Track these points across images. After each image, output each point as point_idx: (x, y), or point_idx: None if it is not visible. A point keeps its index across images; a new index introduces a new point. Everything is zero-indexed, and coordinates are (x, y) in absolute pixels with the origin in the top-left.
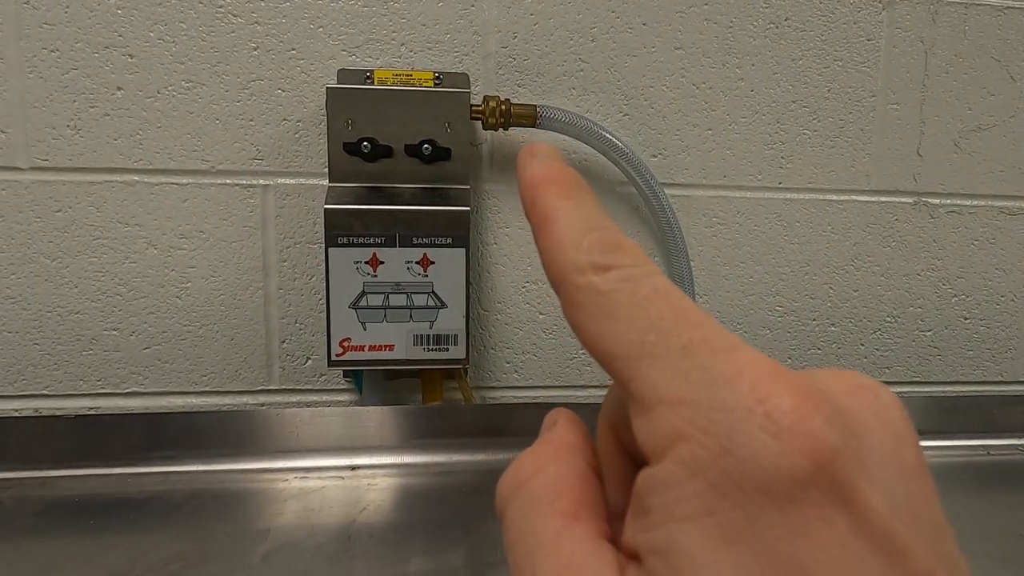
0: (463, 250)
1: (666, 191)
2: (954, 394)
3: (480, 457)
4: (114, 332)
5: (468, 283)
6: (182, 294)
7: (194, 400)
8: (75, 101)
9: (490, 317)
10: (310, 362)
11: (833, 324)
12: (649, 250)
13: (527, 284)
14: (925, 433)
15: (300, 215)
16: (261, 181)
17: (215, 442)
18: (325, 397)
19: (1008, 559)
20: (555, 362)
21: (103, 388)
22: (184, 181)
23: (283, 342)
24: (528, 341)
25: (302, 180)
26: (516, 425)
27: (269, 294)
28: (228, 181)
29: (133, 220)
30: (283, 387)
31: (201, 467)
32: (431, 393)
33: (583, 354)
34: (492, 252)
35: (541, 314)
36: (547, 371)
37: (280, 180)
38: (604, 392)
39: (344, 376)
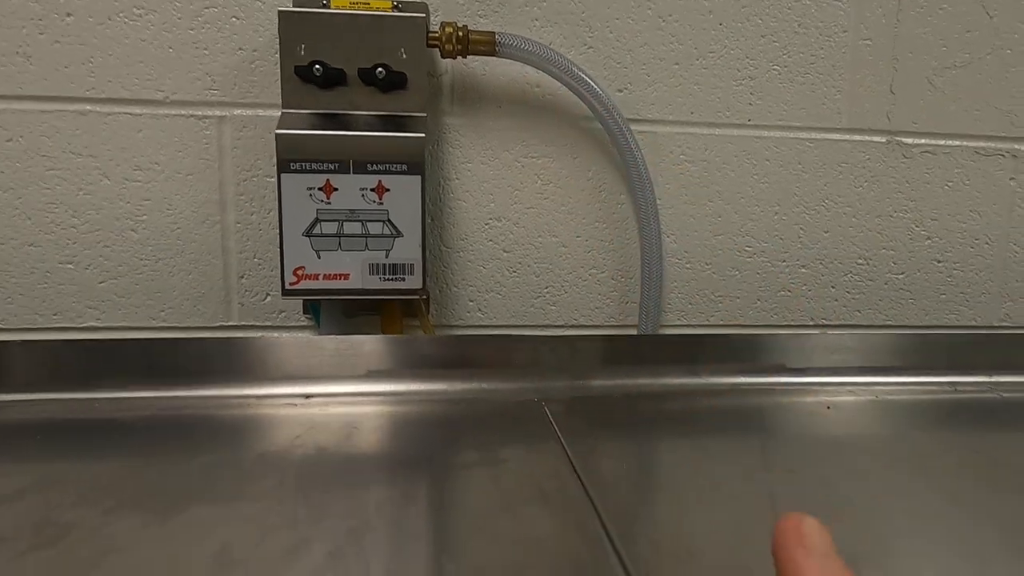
0: (418, 178)
1: (632, 127)
2: (924, 334)
3: (438, 387)
4: (69, 265)
5: (424, 212)
6: (138, 227)
7: (153, 336)
8: (24, 28)
9: (452, 255)
10: (269, 298)
11: (803, 266)
12: (615, 188)
13: (490, 221)
14: (891, 369)
15: (257, 147)
16: (216, 112)
17: (168, 370)
18: (285, 335)
19: (969, 484)
20: (519, 301)
21: (59, 322)
22: (138, 111)
23: (242, 277)
24: (492, 279)
25: (259, 111)
26: (474, 356)
27: (227, 228)
28: (183, 112)
29: (86, 151)
30: (243, 323)
31: (154, 393)
32: (391, 329)
33: (547, 292)
34: (454, 187)
35: (505, 252)
36: (511, 310)
37: (236, 111)
38: (567, 332)
39: (304, 312)
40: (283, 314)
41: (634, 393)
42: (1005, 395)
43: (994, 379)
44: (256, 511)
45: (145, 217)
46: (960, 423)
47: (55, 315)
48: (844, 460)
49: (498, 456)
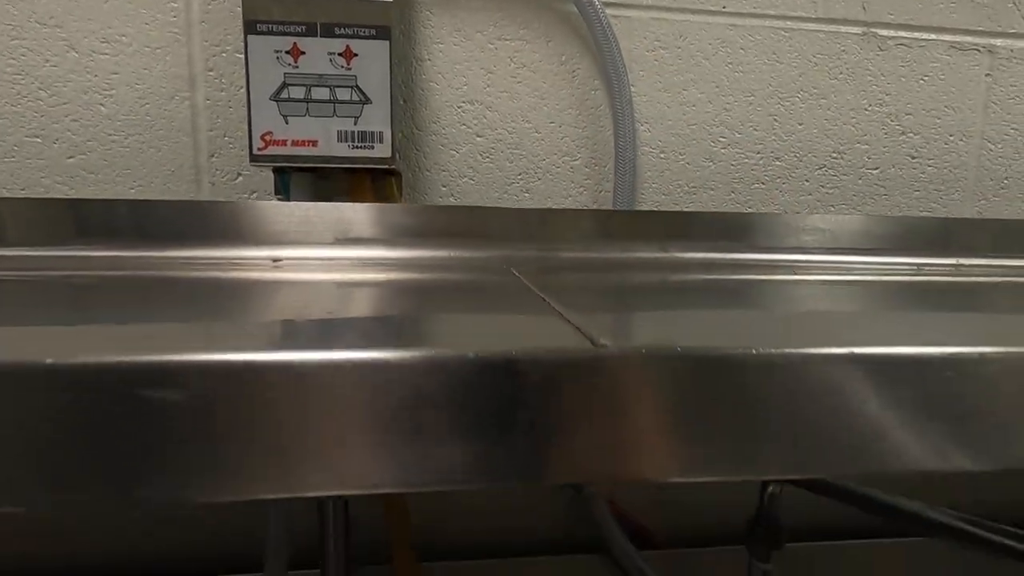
0: (386, 43)
1: (607, 11)
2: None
3: (407, 254)
4: (36, 139)
5: (392, 79)
6: (106, 101)
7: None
8: None
9: (424, 137)
10: (241, 178)
11: (777, 158)
12: (589, 74)
13: (463, 104)
14: (857, 251)
15: (226, 20)
16: None
17: (132, 231)
18: (252, 200)
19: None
20: (492, 187)
21: (27, 196)
22: None
23: (212, 156)
24: (464, 164)
25: None
26: (444, 225)
27: (196, 105)
28: None
29: (52, 20)
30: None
31: (116, 252)
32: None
33: (520, 179)
34: (426, 69)
35: (478, 136)
36: (484, 195)
37: None
38: (540, 216)
39: (276, 193)
40: (254, 194)
41: (602, 265)
42: (968, 277)
43: (959, 261)
44: None
45: (113, 92)
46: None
47: (23, 190)
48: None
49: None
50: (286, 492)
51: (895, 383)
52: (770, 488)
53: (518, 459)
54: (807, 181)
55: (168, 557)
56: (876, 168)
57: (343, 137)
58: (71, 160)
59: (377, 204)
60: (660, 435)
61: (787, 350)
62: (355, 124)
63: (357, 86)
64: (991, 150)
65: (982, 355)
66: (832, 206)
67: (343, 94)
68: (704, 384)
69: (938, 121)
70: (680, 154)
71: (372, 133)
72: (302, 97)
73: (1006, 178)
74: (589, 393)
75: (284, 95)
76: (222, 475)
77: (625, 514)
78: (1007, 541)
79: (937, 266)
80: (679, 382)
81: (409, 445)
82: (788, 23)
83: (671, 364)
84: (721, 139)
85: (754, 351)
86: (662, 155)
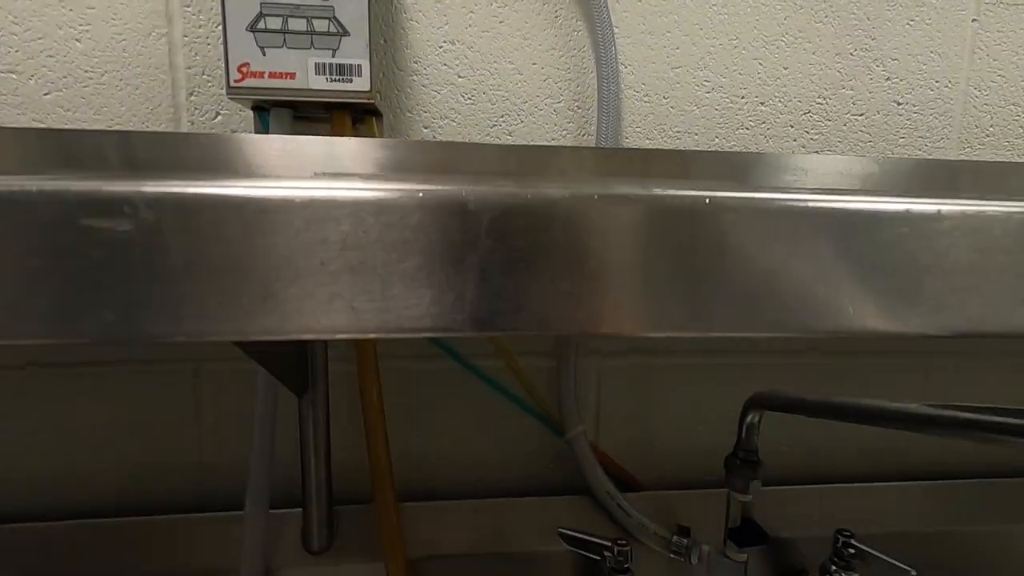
0: None
1: None
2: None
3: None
4: (12, 75)
5: (371, 10)
6: (82, 37)
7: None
8: None
9: (405, 78)
10: (220, 117)
11: (762, 103)
12: (571, 13)
13: (445, 44)
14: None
15: None
16: None
17: (96, 163)
18: (229, 132)
19: None
20: (474, 129)
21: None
22: None
23: (191, 95)
24: (446, 105)
25: None
26: (423, 161)
27: (173, 42)
28: None
29: None
30: None
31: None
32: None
33: (503, 122)
34: (406, 7)
35: (460, 77)
36: (466, 136)
37: None
38: (522, 149)
39: (255, 132)
40: (234, 134)
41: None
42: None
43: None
44: None
45: (89, 27)
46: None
47: None
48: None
49: None
50: (236, 335)
51: (851, 237)
52: (748, 417)
53: (470, 305)
54: (792, 127)
55: (153, 498)
56: (861, 114)
57: (321, 70)
58: (47, 96)
59: (358, 138)
60: (609, 285)
61: (742, 194)
62: (333, 56)
63: (335, 17)
64: (976, 97)
65: (939, 212)
66: (816, 152)
67: (320, 25)
68: (655, 232)
69: (924, 67)
70: (664, 98)
71: (350, 66)
72: (279, 28)
73: (991, 126)
74: (538, 237)
75: (261, 25)
76: (168, 313)
77: (610, 461)
78: (1011, 420)
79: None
80: (631, 229)
81: (360, 287)
82: None
83: (622, 210)
84: (705, 83)
85: (707, 199)
86: (646, 99)
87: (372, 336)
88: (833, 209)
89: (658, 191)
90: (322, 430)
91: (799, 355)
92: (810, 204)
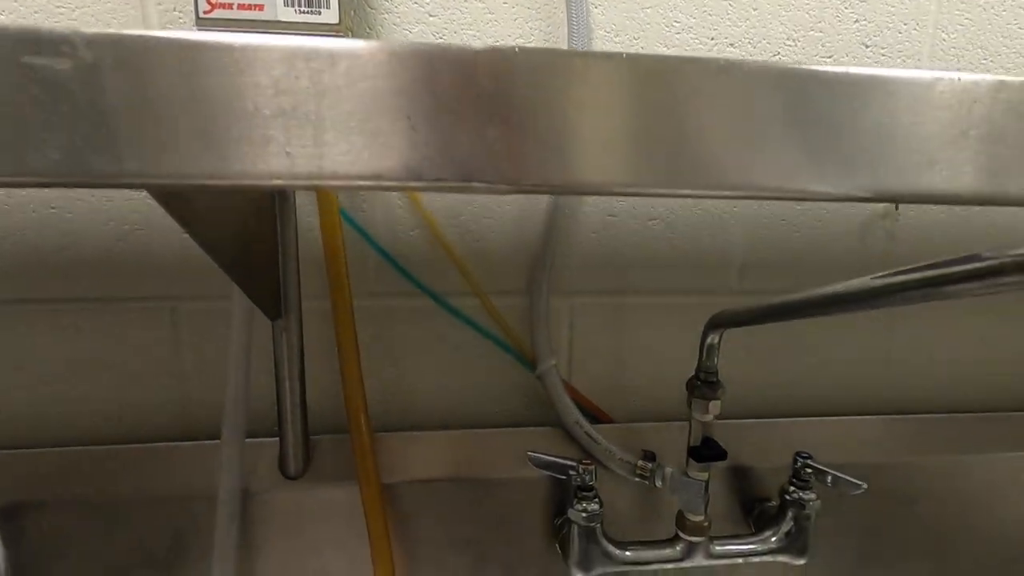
0: None
1: None
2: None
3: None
4: None
5: None
6: None
7: None
8: None
9: (377, 16)
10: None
11: (732, 44)
12: None
13: None
14: None
15: None
16: None
17: None
18: None
19: None
20: None
21: None
22: None
23: (159, 3)
24: None
25: None
26: None
27: None
28: None
29: None
30: None
31: None
32: None
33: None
34: None
35: (431, 16)
36: None
37: None
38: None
39: None
40: None
41: None
42: None
43: None
44: None
45: None
46: None
47: None
48: None
49: None
50: (176, 178)
51: (772, 95)
52: (709, 338)
53: (399, 154)
54: None
55: (133, 427)
56: (830, 56)
57: (289, 2)
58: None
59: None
60: (535, 136)
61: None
62: None
63: None
64: (944, 40)
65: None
66: None
67: None
68: (575, 86)
69: (892, 8)
70: (635, 39)
71: None
72: None
73: (958, 68)
74: (464, 88)
75: None
76: (110, 154)
77: (582, 397)
78: (960, 268)
79: None
80: (549, 83)
81: (293, 133)
82: None
83: (540, 60)
84: (676, 23)
85: (624, 55)
86: (616, 39)
87: (305, 184)
88: (779, 70)
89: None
90: (296, 354)
91: (764, 297)
92: (754, 66)
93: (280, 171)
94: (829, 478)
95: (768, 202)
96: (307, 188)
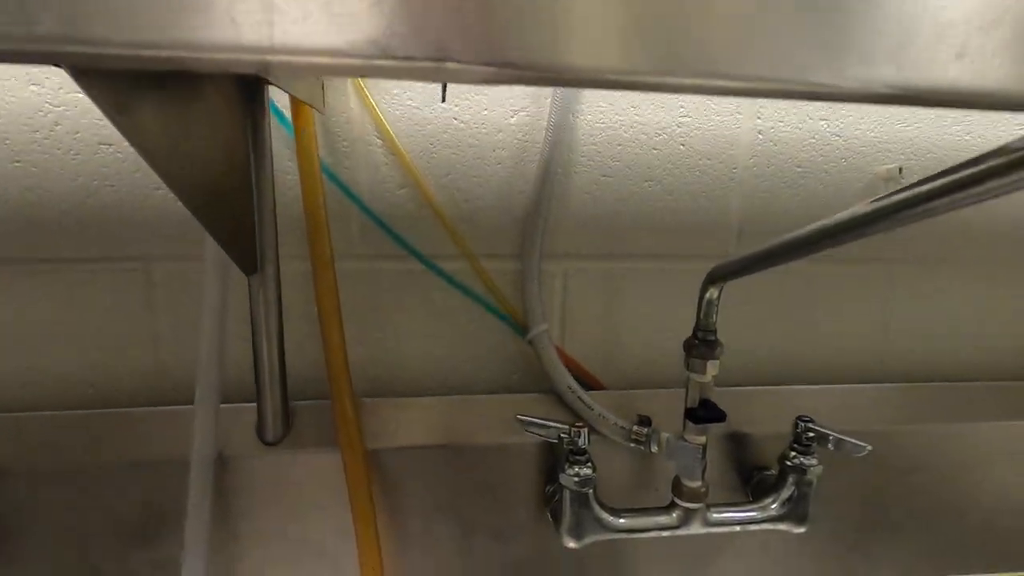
0: None
1: None
2: None
3: None
4: None
5: None
6: None
7: None
8: None
9: None
10: None
11: None
12: None
13: None
14: None
15: None
16: None
17: None
18: None
19: None
20: None
21: None
22: None
23: None
24: None
25: None
26: None
27: None
28: None
29: None
30: None
31: None
32: None
33: None
34: None
35: None
36: None
37: None
38: None
39: None
40: None
41: None
42: None
43: None
44: None
45: None
46: None
47: None
48: None
49: None
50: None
51: None
52: (707, 293)
53: (369, 26)
54: None
55: (105, 392)
56: None
57: None
58: None
59: None
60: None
61: None
62: None
63: None
64: None
65: None
66: None
67: None
68: None
69: None
70: None
71: None
72: None
73: None
74: None
75: None
76: (18, 11)
77: (575, 364)
78: (955, 176)
79: None
80: None
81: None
82: None
83: None
84: None
85: None
86: None
87: (253, 59)
88: None
89: None
90: (274, 311)
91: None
92: None
93: (223, 42)
94: (831, 441)
95: (768, 165)
96: (256, 67)
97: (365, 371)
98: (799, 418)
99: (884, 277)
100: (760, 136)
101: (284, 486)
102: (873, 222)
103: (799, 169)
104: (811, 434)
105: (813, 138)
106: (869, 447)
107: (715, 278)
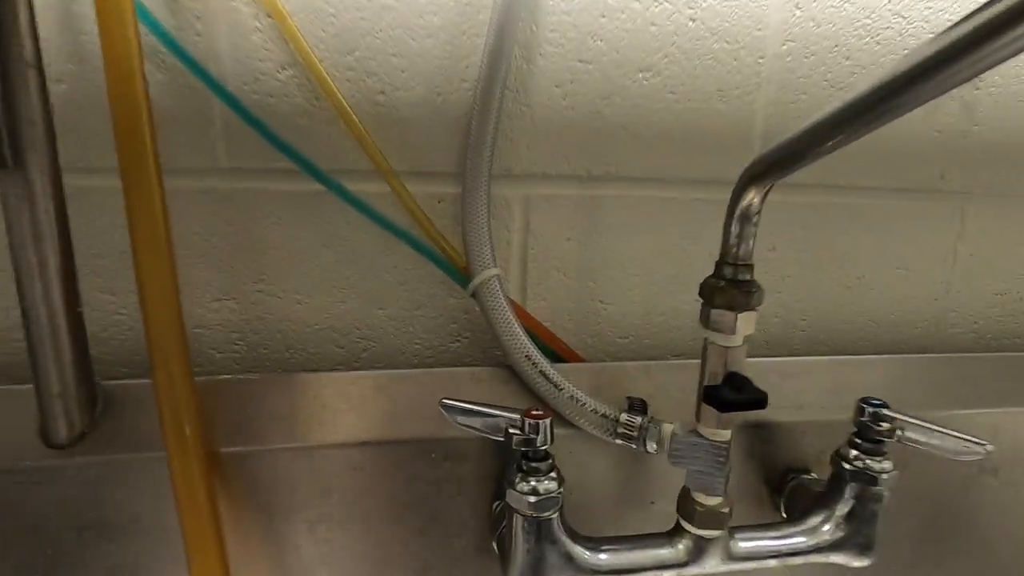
0: None
1: None
2: None
3: None
4: None
5: None
6: None
7: None
8: None
9: None
10: None
11: None
12: None
13: None
14: None
15: None
16: None
17: None
18: None
19: None
20: None
21: None
22: None
23: None
24: None
25: None
26: None
27: None
28: None
29: None
30: None
31: None
32: None
33: None
34: None
35: None
36: None
37: None
38: None
39: None
40: None
41: None
42: None
43: None
44: None
45: None
46: None
47: None
48: None
49: None
50: None
51: None
52: (743, 200)
53: None
54: None
55: None
56: None
57: None
58: None
59: None
60: None
61: None
62: None
63: None
64: None
65: None
66: None
67: None
68: None
69: None
70: None
71: None
72: None
73: None
74: None
75: None
76: None
77: (541, 329)
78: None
79: None
80: None
81: None
82: None
83: None
84: None
85: None
86: None
87: None
88: None
89: None
90: (50, 232)
91: (804, 191)
92: None
93: None
94: (914, 434)
95: (807, 54)
96: None
97: (243, 338)
98: (864, 401)
99: (957, 213)
100: (798, 12)
101: (80, 510)
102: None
103: (848, 63)
104: (884, 425)
105: (871, 18)
106: (990, 446)
107: (756, 176)
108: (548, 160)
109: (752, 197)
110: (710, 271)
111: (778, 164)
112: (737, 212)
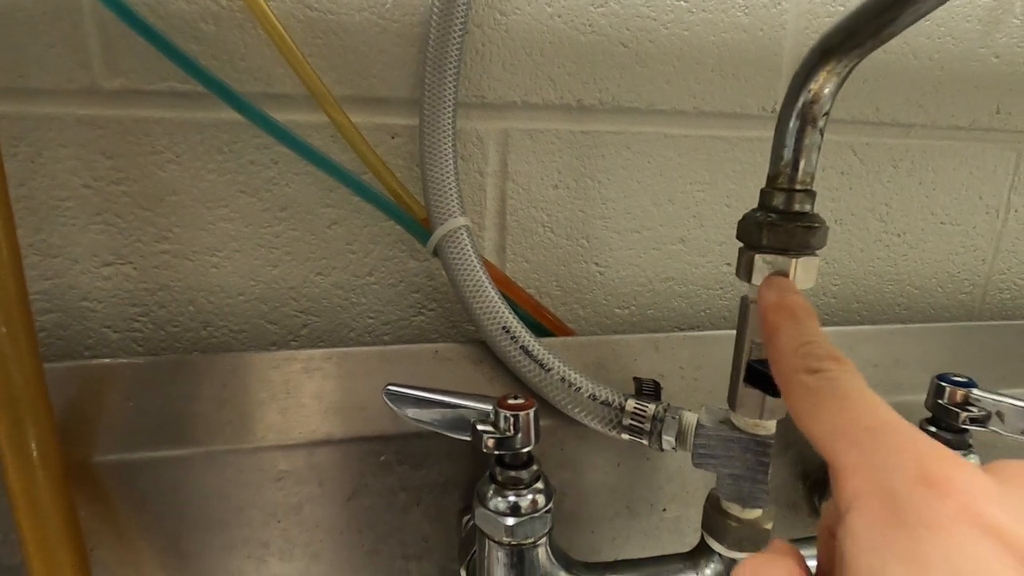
0: None
1: None
2: None
3: None
4: None
5: None
6: None
7: None
8: None
9: None
10: None
11: None
12: None
13: None
14: None
15: None
16: None
17: None
18: None
19: None
20: None
21: None
22: None
23: None
24: None
25: None
26: None
27: None
28: None
29: None
30: None
31: None
32: None
33: None
34: None
35: None
36: None
37: None
38: None
39: None
40: None
41: None
42: None
43: None
44: None
45: None
46: None
47: None
48: None
49: None
50: None
51: None
52: (811, 83)
53: None
54: None
55: None
56: None
57: None
58: None
59: None
60: None
61: None
62: None
63: None
64: None
65: None
66: None
67: None
68: None
69: None
70: None
71: None
72: None
73: None
74: None
75: None
76: None
77: (523, 297)
78: None
79: None
80: None
81: None
82: None
83: None
84: None
85: None
86: None
87: None
88: None
89: None
90: None
91: (840, 128)
92: None
93: None
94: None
95: None
96: None
97: (146, 312)
98: (943, 379)
99: (1005, 157)
100: None
101: None
102: None
103: None
104: (973, 411)
105: None
106: None
107: (830, 50)
108: (530, 84)
109: (822, 83)
110: (729, 226)
111: (859, 34)
112: (797, 108)
